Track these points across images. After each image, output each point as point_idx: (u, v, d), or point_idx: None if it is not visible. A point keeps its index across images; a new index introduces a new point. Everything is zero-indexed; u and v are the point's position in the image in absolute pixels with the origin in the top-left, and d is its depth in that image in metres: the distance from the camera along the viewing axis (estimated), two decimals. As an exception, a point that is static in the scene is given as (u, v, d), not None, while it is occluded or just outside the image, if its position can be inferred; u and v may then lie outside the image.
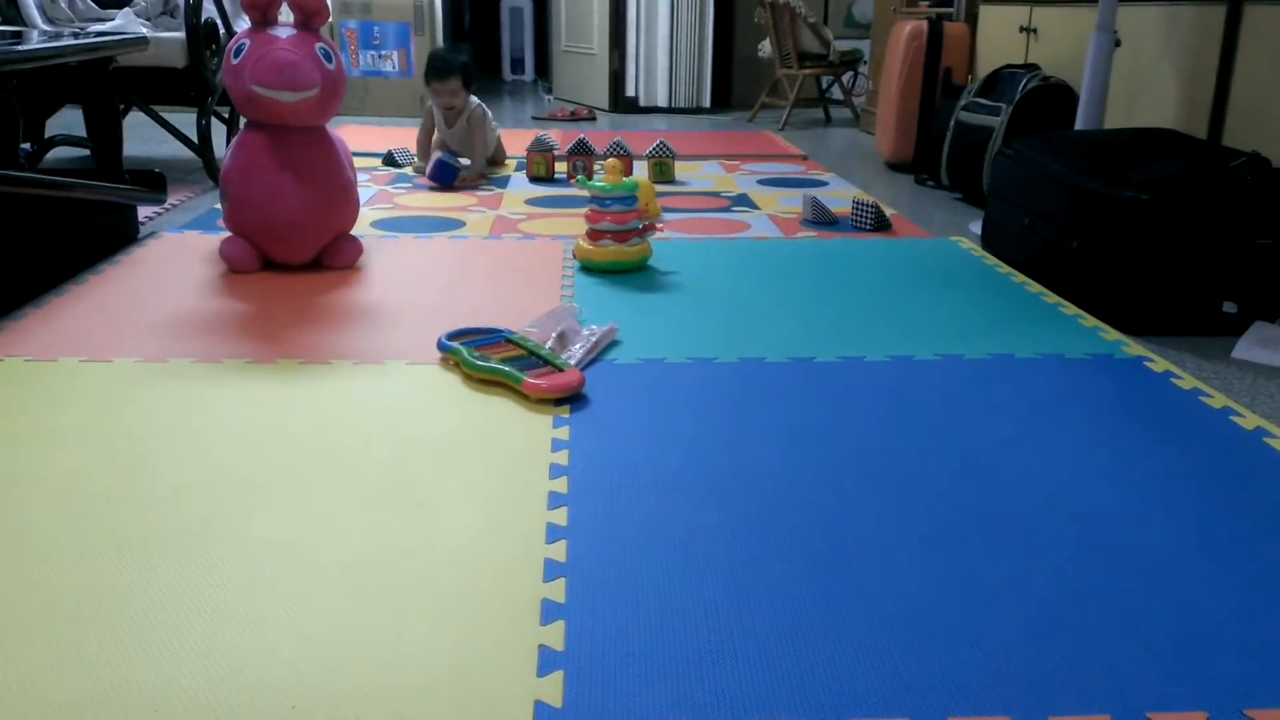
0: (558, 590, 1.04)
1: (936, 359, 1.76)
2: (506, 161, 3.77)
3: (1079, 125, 2.59)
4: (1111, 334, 1.92)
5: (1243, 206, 1.91)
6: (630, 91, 5.88)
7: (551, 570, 1.08)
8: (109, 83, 2.45)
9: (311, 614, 0.99)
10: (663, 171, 3.47)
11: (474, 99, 3.45)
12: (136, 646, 0.94)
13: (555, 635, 0.97)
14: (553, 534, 1.15)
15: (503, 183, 3.39)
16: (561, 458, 1.35)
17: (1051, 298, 2.14)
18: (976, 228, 2.75)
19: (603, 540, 1.14)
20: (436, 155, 3.23)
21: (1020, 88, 2.99)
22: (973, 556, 1.13)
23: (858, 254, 2.49)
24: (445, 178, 3.21)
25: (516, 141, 4.12)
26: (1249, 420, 1.52)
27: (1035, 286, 2.22)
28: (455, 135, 3.47)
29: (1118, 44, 2.52)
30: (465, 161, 3.36)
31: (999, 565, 1.11)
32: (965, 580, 1.08)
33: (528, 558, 1.10)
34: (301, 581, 1.05)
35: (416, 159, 3.57)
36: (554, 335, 1.73)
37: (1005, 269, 2.37)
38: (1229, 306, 1.94)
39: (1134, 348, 1.84)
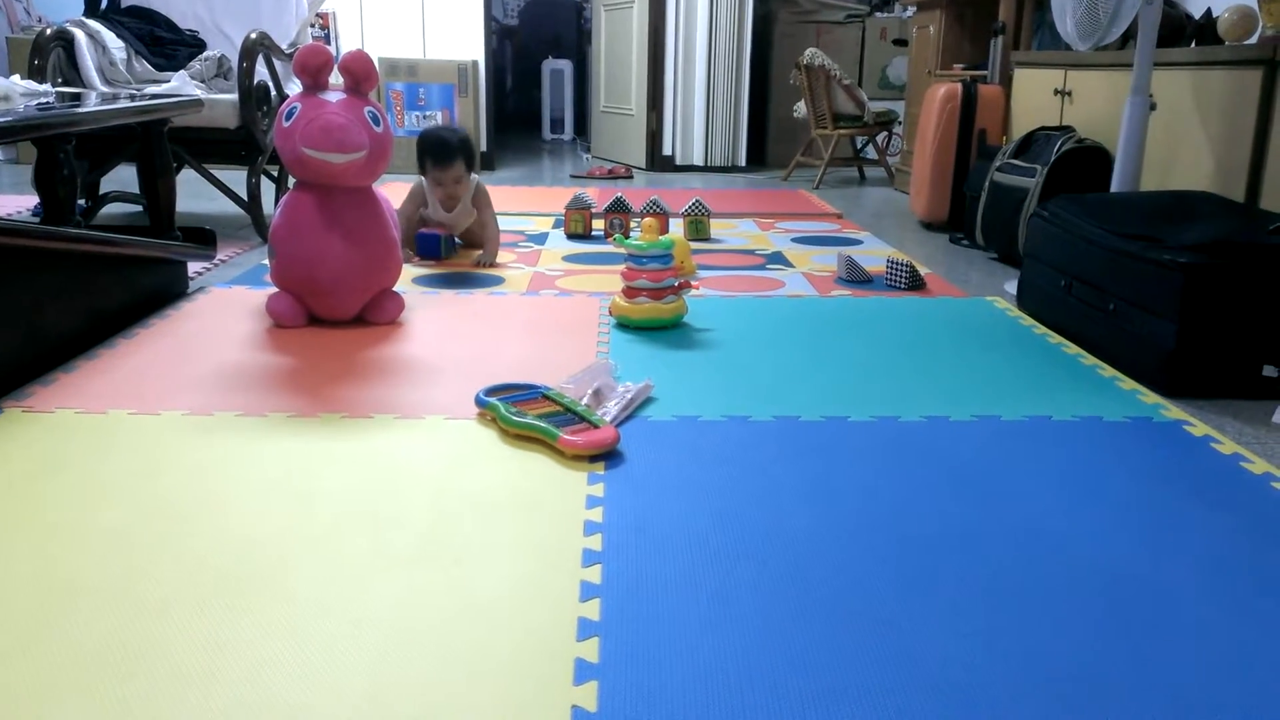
0: (591, 650, 1.05)
1: (973, 420, 1.75)
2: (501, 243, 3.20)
3: (1114, 188, 2.59)
4: (1150, 397, 1.90)
5: (1282, 270, 1.90)
6: (667, 150, 5.97)
7: (585, 629, 1.08)
8: (164, 143, 2.54)
9: (346, 670, 1.01)
10: (698, 229, 3.51)
11: (473, 176, 3.07)
12: (175, 702, 0.95)
13: (588, 696, 0.97)
14: (586, 592, 1.16)
15: (541, 239, 3.44)
16: (596, 514, 1.36)
17: (1089, 359, 2.13)
18: (1012, 288, 2.75)
19: (637, 598, 1.15)
20: (422, 231, 2.98)
21: (1055, 149, 3.01)
22: (1008, 620, 1.12)
23: (892, 313, 2.50)
24: (432, 250, 2.98)
25: (555, 199, 4.20)
26: (1292, 487, 1.50)
27: (1072, 348, 2.21)
28: (453, 220, 3.07)
29: (1153, 107, 2.54)
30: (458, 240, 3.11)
31: (1034, 630, 1.10)
32: (999, 645, 1.07)
33: (561, 616, 1.11)
34: (338, 637, 1.06)
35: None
36: (590, 391, 1.75)
37: (1041, 329, 2.36)
38: (1269, 371, 1.92)
39: (1173, 411, 1.83)
